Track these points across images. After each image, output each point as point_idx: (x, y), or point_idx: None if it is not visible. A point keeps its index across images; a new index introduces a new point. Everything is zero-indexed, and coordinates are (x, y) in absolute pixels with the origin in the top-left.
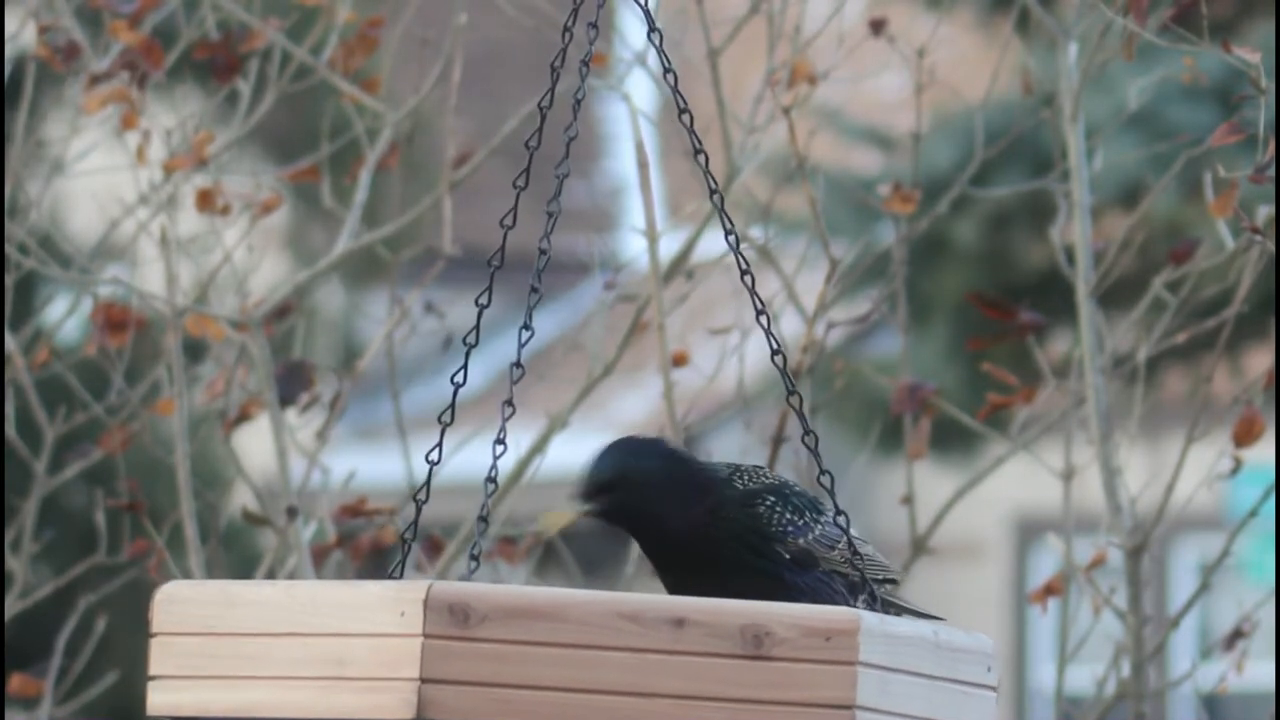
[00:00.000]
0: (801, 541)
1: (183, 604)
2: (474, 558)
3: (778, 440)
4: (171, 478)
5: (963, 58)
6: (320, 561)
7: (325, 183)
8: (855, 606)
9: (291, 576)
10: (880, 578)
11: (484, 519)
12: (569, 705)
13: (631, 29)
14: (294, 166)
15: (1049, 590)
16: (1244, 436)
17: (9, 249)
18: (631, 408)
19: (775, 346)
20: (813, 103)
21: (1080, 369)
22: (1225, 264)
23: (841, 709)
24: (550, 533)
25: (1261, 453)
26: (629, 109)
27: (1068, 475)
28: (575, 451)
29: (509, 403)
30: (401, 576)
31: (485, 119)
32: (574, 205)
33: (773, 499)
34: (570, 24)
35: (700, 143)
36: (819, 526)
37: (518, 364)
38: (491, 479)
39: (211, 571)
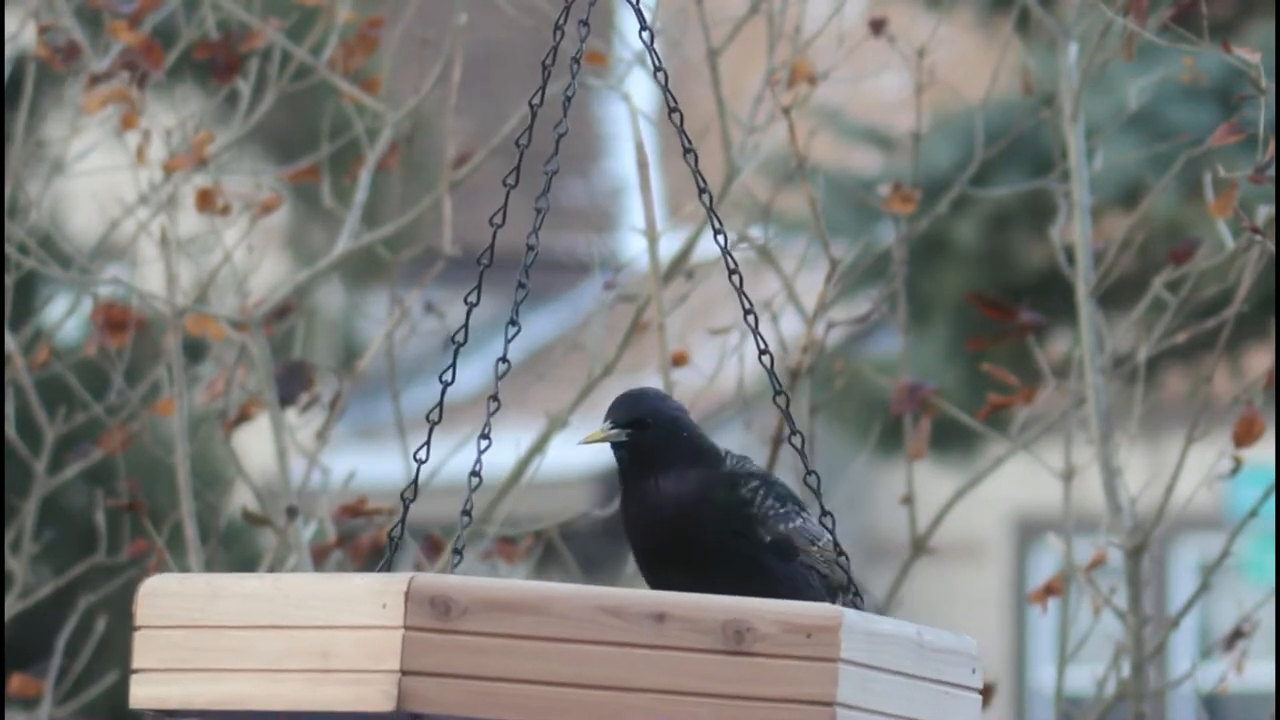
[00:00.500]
0: (783, 528)
1: (167, 597)
2: (457, 551)
3: (778, 440)
4: (171, 478)
5: (963, 58)
6: (320, 561)
7: (325, 183)
8: (836, 604)
9: None
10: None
11: (467, 514)
12: (550, 699)
13: (631, 29)
14: (294, 166)
15: (1049, 590)
16: (1244, 436)
17: (9, 249)
18: None
19: (762, 346)
20: (813, 103)
21: (1080, 369)
22: (1225, 264)
23: (822, 705)
24: (588, 443)
25: (1261, 453)
26: (629, 109)
27: (1068, 475)
28: (575, 452)
29: (494, 398)
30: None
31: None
32: (574, 205)
33: (757, 483)
34: (562, 22)
35: (690, 141)
36: (799, 519)
37: (504, 359)
38: (476, 474)
39: (211, 571)
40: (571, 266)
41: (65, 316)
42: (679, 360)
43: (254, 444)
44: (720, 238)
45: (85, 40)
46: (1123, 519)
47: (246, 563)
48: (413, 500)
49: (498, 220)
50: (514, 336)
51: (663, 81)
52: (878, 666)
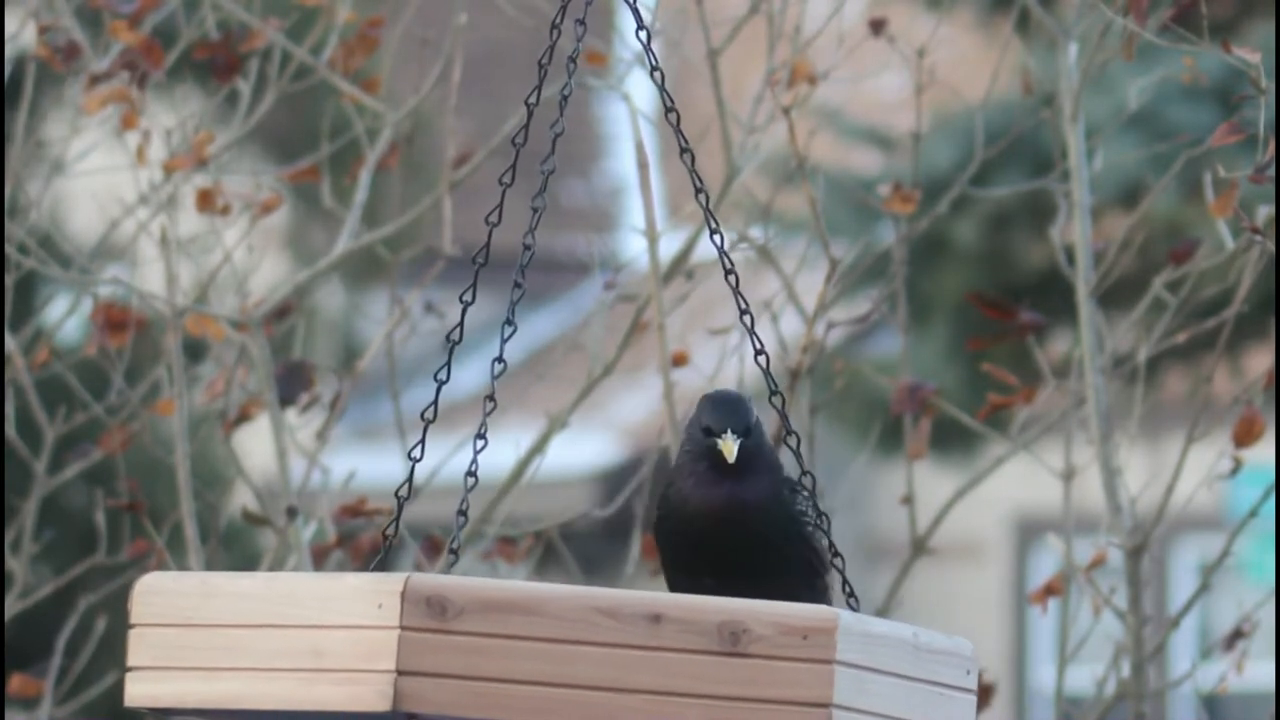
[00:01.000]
0: (822, 543)
1: (162, 595)
2: (452, 551)
3: (778, 440)
4: (171, 478)
5: (963, 58)
6: (320, 562)
7: (325, 183)
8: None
9: None
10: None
11: (463, 513)
12: (545, 699)
13: (631, 29)
14: (294, 166)
15: (1049, 590)
16: (1244, 436)
17: (9, 249)
18: (631, 408)
19: (758, 347)
20: (813, 103)
21: (1080, 369)
22: (1225, 264)
23: (818, 707)
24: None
25: (1261, 453)
26: (629, 109)
27: (1068, 475)
28: (576, 452)
29: (490, 398)
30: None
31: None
32: (574, 205)
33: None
34: (559, 21)
35: (687, 141)
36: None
37: (500, 359)
38: (472, 473)
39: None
40: (571, 266)
41: (65, 316)
42: (679, 360)
43: (254, 444)
44: (717, 238)
45: (85, 40)
46: (1123, 519)
47: (247, 563)
48: (407, 499)
49: (494, 219)
50: (510, 336)
51: (660, 81)
52: (873, 668)
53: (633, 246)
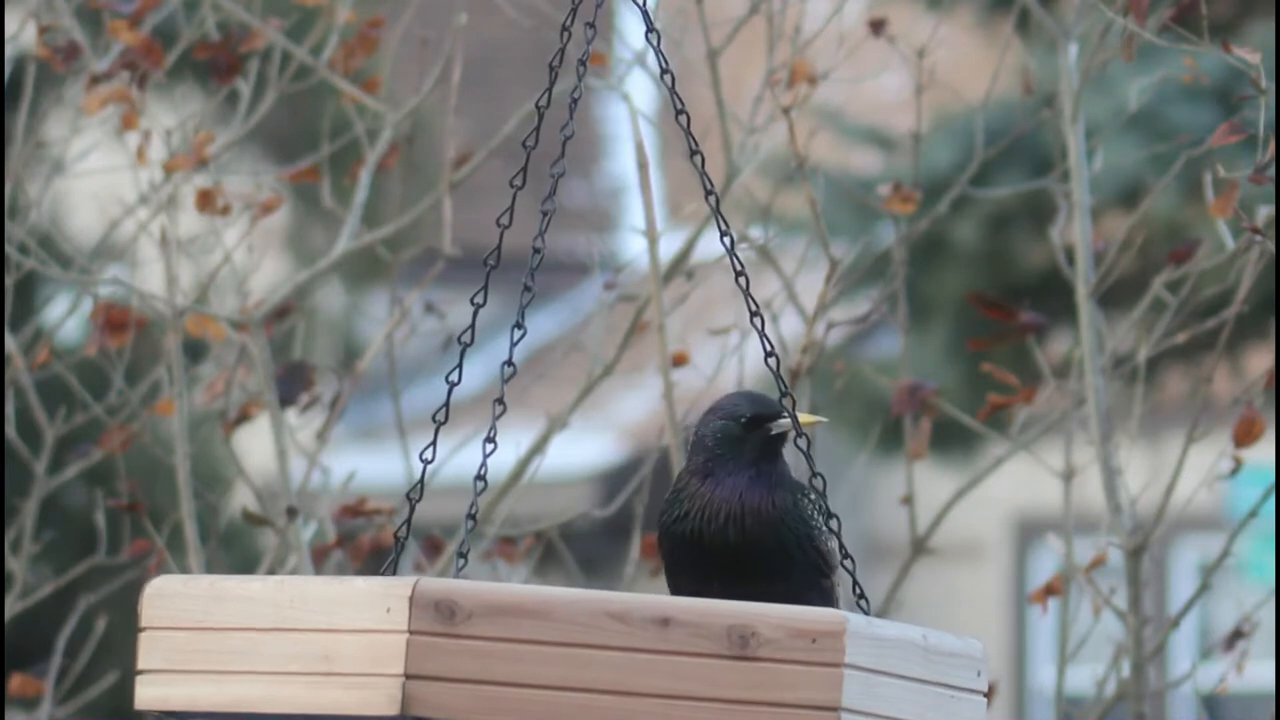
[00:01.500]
0: (825, 545)
1: (172, 598)
2: (461, 555)
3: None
4: (171, 478)
5: (963, 58)
6: (320, 562)
7: (325, 183)
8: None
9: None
10: None
11: (472, 517)
12: (554, 703)
13: (631, 29)
14: (294, 166)
15: (1049, 590)
16: (1244, 437)
17: (9, 249)
18: (631, 408)
19: (768, 349)
20: (813, 103)
21: (1080, 369)
22: (1225, 264)
23: (826, 710)
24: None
25: (1261, 453)
26: (629, 109)
27: (1068, 475)
28: (576, 452)
29: (500, 401)
30: (394, 574)
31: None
32: (574, 205)
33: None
34: (569, 24)
35: (697, 143)
36: (832, 537)
37: (509, 362)
38: (481, 477)
39: (211, 572)
40: (572, 266)
41: (65, 316)
42: (679, 361)
43: (254, 444)
44: (727, 240)
45: (85, 40)
46: (1123, 519)
47: (247, 563)
48: (419, 500)
49: (505, 221)
50: (519, 340)
51: (669, 84)
52: (882, 671)
53: (633, 246)
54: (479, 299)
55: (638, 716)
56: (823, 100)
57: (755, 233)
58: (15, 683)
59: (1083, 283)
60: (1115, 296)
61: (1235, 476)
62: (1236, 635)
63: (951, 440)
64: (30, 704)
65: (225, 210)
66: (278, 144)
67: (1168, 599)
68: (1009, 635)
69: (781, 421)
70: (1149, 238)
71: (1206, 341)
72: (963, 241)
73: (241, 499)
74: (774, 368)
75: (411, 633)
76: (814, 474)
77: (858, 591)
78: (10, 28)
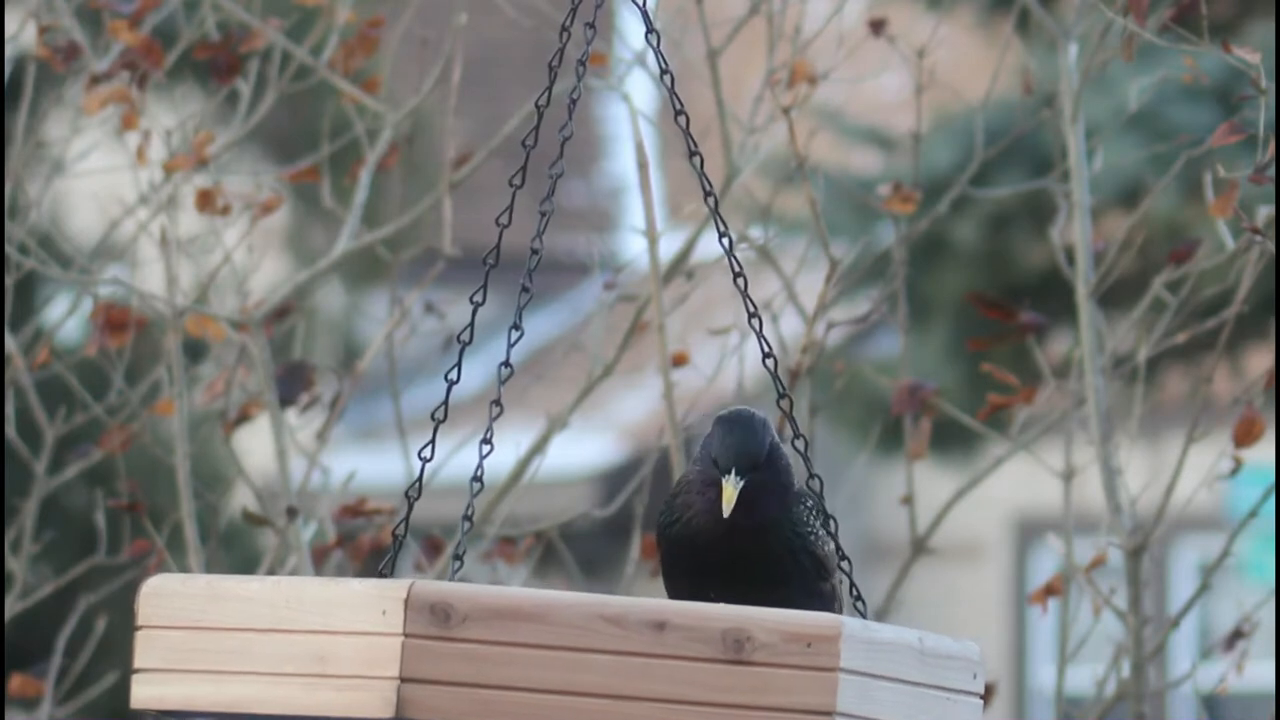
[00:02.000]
0: (822, 550)
1: (169, 598)
2: (457, 557)
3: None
4: (171, 478)
5: (963, 58)
6: (320, 562)
7: (325, 183)
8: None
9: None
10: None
11: (469, 518)
12: (549, 707)
13: (632, 29)
14: (294, 166)
15: (1049, 590)
16: (1244, 437)
17: (9, 249)
18: (631, 408)
19: (766, 350)
20: (813, 103)
21: (1080, 369)
22: (1225, 264)
23: (821, 715)
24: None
25: (1261, 453)
26: (629, 109)
27: (1068, 475)
28: (576, 452)
29: (497, 402)
30: (392, 574)
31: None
32: (574, 205)
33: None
34: (568, 24)
35: (696, 144)
36: (830, 541)
37: (506, 363)
38: (478, 478)
39: (212, 572)
40: (571, 266)
41: (65, 316)
42: (679, 361)
43: (254, 444)
44: (725, 241)
45: (85, 40)
46: (1123, 519)
47: (247, 563)
48: (417, 499)
49: (504, 221)
50: (517, 341)
51: (669, 84)
52: (878, 675)
53: (633, 246)
54: (478, 298)
55: None
56: (823, 100)
57: (755, 233)
58: (15, 683)
59: (1083, 283)
60: (1115, 296)
61: (1235, 476)
62: (1236, 635)
63: (951, 440)
64: (30, 704)
65: (225, 210)
66: (278, 144)
67: (1168, 599)
68: (1009, 635)
69: (726, 486)
70: (1149, 238)
71: (1206, 341)
72: (963, 241)
73: (241, 499)
74: (772, 369)
75: (406, 635)
76: (811, 475)
77: (854, 593)
78: (10, 28)
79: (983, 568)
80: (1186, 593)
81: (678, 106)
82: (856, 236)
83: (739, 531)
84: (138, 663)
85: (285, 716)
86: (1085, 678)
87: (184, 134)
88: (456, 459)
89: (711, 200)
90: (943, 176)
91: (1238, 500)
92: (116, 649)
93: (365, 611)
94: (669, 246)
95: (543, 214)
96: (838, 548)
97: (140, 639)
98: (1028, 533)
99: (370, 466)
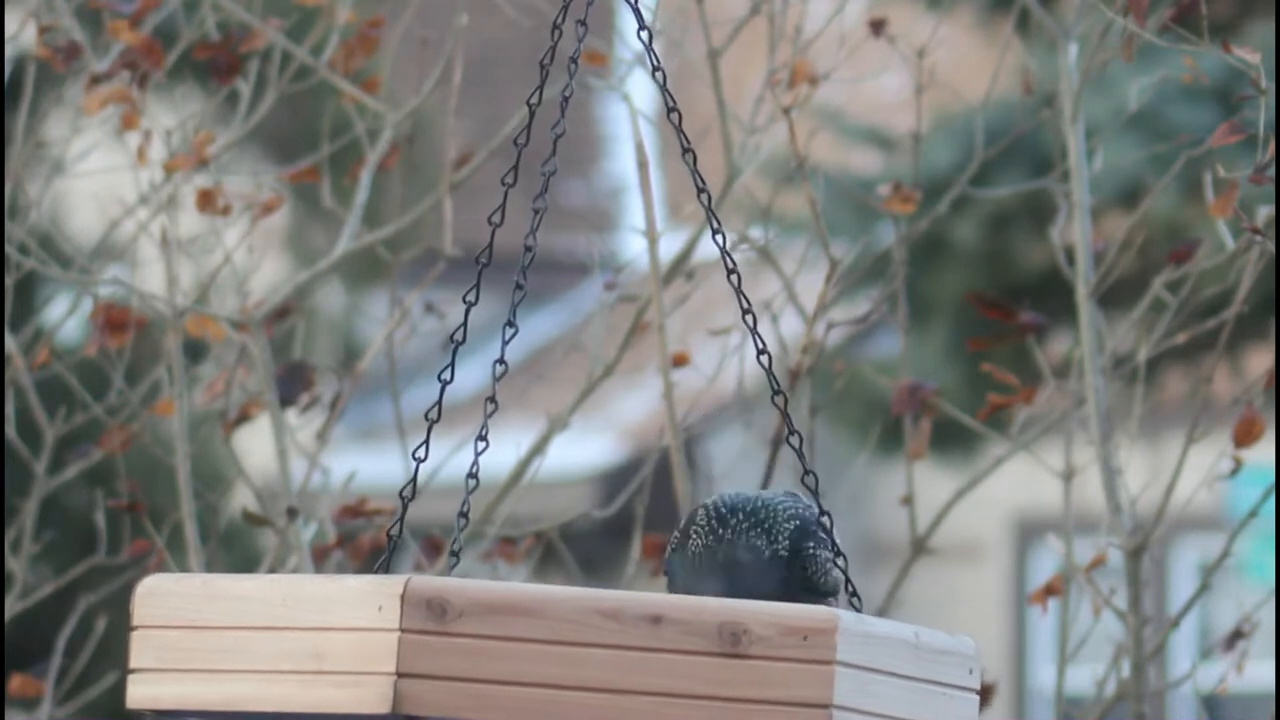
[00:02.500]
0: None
1: (164, 597)
2: (453, 554)
3: (777, 441)
4: (171, 478)
5: (963, 58)
6: (321, 562)
7: (325, 183)
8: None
9: None
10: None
11: (464, 515)
12: (546, 702)
13: (631, 29)
14: (294, 166)
15: (1049, 590)
16: (1244, 437)
17: (9, 249)
18: (632, 408)
19: (760, 347)
20: (813, 103)
21: (1080, 369)
22: (1225, 264)
23: (818, 708)
24: None
25: (1261, 453)
26: (629, 109)
27: (1068, 475)
28: (576, 452)
29: (491, 400)
30: (387, 572)
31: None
32: (574, 205)
33: (811, 544)
34: (560, 21)
35: (689, 141)
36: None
37: (501, 360)
38: (473, 475)
39: (212, 572)
40: (571, 266)
41: (65, 316)
42: (679, 361)
43: (254, 444)
44: (719, 237)
45: (85, 40)
46: (1123, 519)
47: (247, 563)
48: (412, 499)
49: (496, 219)
50: (511, 338)
51: (661, 81)
52: (874, 668)
53: (633, 246)
54: (471, 297)
55: (629, 715)
56: (823, 100)
57: (755, 233)
58: (15, 683)
59: (1083, 283)
60: (1115, 296)
61: (1235, 476)
62: (1236, 635)
63: (951, 440)
64: (30, 704)
65: (225, 210)
66: (278, 144)
67: (1168, 599)
68: (1009, 635)
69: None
70: (1149, 238)
71: (1206, 341)
72: (963, 241)
73: (241, 499)
74: (766, 366)
75: (403, 631)
76: (806, 472)
77: (850, 589)
78: (10, 28)
79: (983, 568)
80: (1186, 593)
81: (670, 104)
82: (856, 236)
83: (739, 567)
84: (133, 663)
85: (282, 714)
86: (1085, 678)
87: (184, 134)
88: (457, 459)
89: (705, 197)
90: (943, 176)
91: (1238, 500)
92: (116, 649)
93: (361, 607)
94: (669, 246)
95: (536, 211)
96: (833, 544)
97: (135, 638)
98: (1028, 533)
99: (370, 466)
